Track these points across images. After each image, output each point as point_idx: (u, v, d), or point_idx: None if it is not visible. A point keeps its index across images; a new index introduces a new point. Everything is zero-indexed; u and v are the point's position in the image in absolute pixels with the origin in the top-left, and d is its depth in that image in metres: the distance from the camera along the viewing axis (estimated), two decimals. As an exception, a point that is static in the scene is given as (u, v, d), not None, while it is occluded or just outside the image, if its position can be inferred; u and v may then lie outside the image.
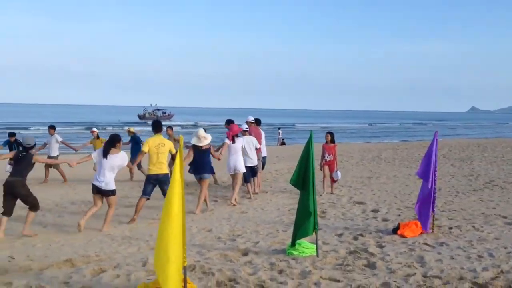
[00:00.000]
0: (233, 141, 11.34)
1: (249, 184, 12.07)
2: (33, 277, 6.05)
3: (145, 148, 9.69)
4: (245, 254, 6.82)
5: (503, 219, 9.17)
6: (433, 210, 7.89)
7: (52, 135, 15.82)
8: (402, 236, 7.60)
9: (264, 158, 13.34)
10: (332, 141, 12.40)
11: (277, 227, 8.58)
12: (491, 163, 19.59)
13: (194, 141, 10.33)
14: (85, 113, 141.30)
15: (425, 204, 7.80)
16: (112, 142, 9.03)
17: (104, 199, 9.15)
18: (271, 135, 43.65)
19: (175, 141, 15.27)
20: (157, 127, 9.93)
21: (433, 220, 8.00)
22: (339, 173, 12.40)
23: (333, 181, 12.41)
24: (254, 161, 12.04)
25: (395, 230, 7.83)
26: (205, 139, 10.28)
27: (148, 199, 9.84)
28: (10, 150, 15.33)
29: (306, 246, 6.64)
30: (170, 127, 15.78)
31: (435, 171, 7.81)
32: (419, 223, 7.85)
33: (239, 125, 12.24)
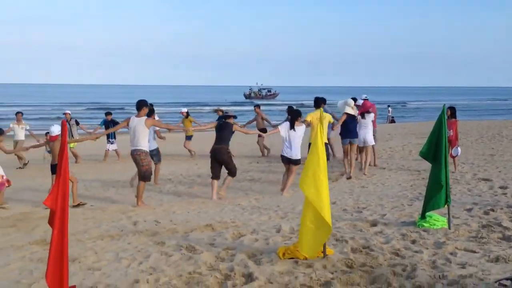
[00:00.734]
0: (363, 117, 12.07)
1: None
2: (181, 238, 6.72)
3: (307, 117, 10.80)
4: (374, 225, 7.02)
5: None
6: None
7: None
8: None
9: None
10: (453, 116, 12.08)
11: (402, 201, 8.66)
12: None
13: (348, 110, 11.58)
14: (194, 93, 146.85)
15: None
16: (297, 115, 10.19)
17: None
18: (380, 113, 42.76)
19: (263, 119, 16.02)
20: (317, 103, 11.26)
21: None
22: (459, 149, 12.08)
23: (452, 157, 12.10)
24: None
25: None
26: (354, 109, 11.77)
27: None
28: (106, 129, 15.82)
29: (437, 219, 6.69)
30: (257, 105, 16.90)
31: None
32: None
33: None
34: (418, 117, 53.56)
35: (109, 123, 16.21)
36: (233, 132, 10.12)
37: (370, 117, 12.25)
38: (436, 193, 6.57)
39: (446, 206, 6.62)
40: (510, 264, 5.09)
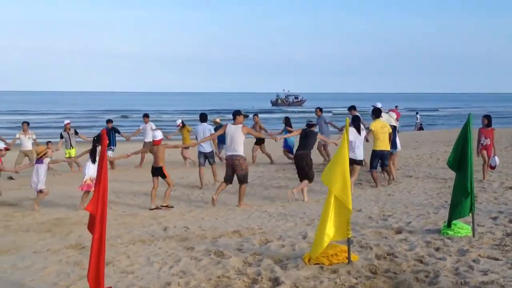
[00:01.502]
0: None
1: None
2: (210, 244, 6.95)
3: (371, 127, 11.59)
4: (398, 232, 7.12)
5: None
6: None
7: (146, 123, 17.05)
8: None
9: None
10: (489, 124, 12.02)
11: (427, 209, 8.72)
12: None
13: (392, 122, 12.40)
14: (222, 100, 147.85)
15: None
16: (358, 121, 11.27)
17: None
18: (408, 120, 42.49)
19: (260, 128, 16.26)
20: (377, 113, 11.85)
21: None
22: (496, 158, 11.97)
23: (491, 167, 12.00)
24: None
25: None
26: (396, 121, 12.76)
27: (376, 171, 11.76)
28: (108, 136, 16.23)
29: (462, 226, 6.76)
30: (256, 114, 17.19)
31: None
32: None
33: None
34: (448, 124, 52.98)
35: (110, 131, 16.30)
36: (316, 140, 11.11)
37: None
38: (461, 202, 6.65)
39: (470, 214, 6.69)
40: (533, 272, 5.15)
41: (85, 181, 10.21)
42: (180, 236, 7.61)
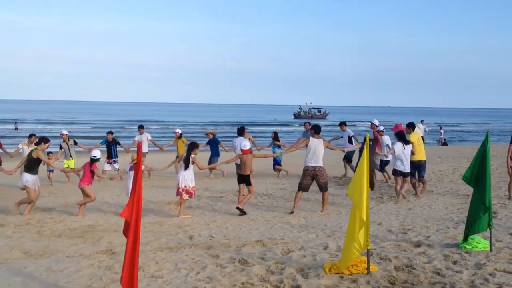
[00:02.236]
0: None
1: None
2: (234, 252, 7.23)
3: (411, 139, 12.21)
4: (417, 245, 7.30)
5: None
6: None
7: (142, 134, 17.17)
8: None
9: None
10: None
11: (447, 224, 8.87)
12: None
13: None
14: (245, 112, 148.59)
15: None
16: (404, 136, 11.96)
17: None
18: (431, 135, 42.26)
19: (250, 140, 16.62)
20: (413, 127, 12.80)
21: None
22: None
23: None
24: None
25: None
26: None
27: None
28: (108, 148, 16.16)
29: (480, 241, 6.92)
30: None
31: None
32: None
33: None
34: (472, 140, 52.48)
35: (110, 143, 16.29)
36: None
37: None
38: (479, 217, 6.80)
39: (488, 229, 6.85)
40: (548, 286, 5.30)
41: (181, 188, 10.69)
42: (205, 244, 7.92)
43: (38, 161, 10.90)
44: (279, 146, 16.41)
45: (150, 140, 17.49)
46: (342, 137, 16.60)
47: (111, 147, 16.23)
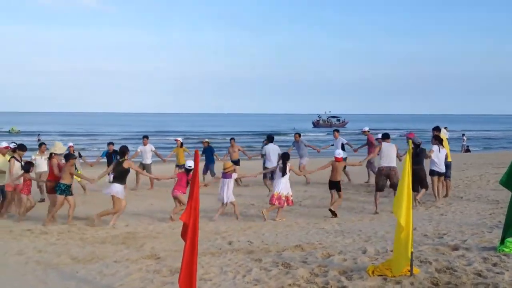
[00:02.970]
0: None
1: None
2: (275, 256, 7.47)
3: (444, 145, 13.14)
4: (455, 249, 7.45)
5: None
6: None
7: (145, 145, 16.90)
8: None
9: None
10: None
11: (482, 228, 8.99)
12: None
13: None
14: (265, 121, 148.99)
15: None
16: (441, 141, 12.94)
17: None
18: (454, 143, 42.06)
19: (239, 150, 17.52)
20: (438, 130, 13.40)
21: None
22: None
23: None
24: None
25: None
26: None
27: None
28: (108, 160, 16.06)
29: (518, 244, 7.05)
30: (232, 138, 17.93)
31: None
32: None
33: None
34: (494, 147, 52.05)
35: (111, 154, 16.12)
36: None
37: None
38: (515, 220, 6.95)
39: (526, 232, 6.97)
40: None
41: (276, 195, 11.28)
42: (245, 249, 8.16)
43: (127, 171, 11.30)
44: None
45: (153, 151, 17.23)
46: (333, 145, 17.22)
47: (112, 158, 15.78)
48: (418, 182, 11.97)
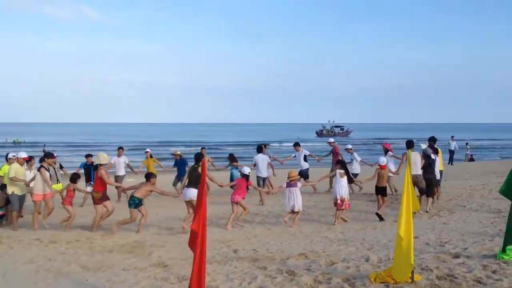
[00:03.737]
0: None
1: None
2: (280, 264, 7.65)
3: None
4: (456, 257, 7.62)
5: None
6: None
7: (120, 156, 16.98)
8: None
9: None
10: None
11: (483, 237, 9.14)
12: None
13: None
14: (268, 131, 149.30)
15: None
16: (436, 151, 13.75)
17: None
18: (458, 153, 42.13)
19: (208, 161, 17.34)
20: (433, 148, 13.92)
21: None
22: None
23: None
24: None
25: None
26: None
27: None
28: (86, 172, 15.91)
29: (517, 252, 7.21)
30: (203, 147, 18.26)
31: None
32: None
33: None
34: (500, 155, 52.05)
35: (90, 166, 15.90)
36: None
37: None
38: (515, 228, 7.11)
39: (525, 240, 7.13)
40: None
41: (338, 200, 11.81)
42: (250, 257, 8.35)
43: (200, 176, 11.58)
44: (236, 167, 16.85)
45: (126, 163, 17.23)
46: (295, 156, 17.71)
47: (90, 170, 15.67)
48: (431, 188, 13.00)
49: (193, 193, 11.37)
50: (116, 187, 14.30)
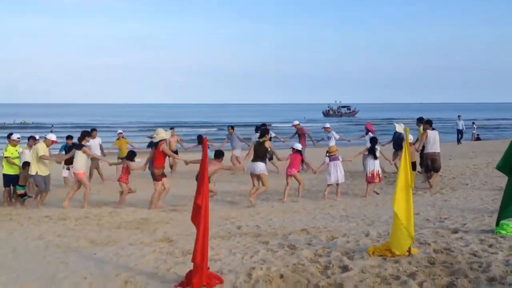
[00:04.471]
0: None
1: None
2: (282, 239, 7.85)
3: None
4: (455, 232, 7.78)
5: None
6: None
7: (94, 138, 16.14)
8: None
9: None
10: None
11: (482, 213, 9.29)
12: None
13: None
14: (275, 112, 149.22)
15: None
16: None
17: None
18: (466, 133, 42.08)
19: (177, 141, 17.98)
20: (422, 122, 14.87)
21: None
22: None
23: None
24: None
25: None
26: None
27: None
28: (67, 154, 14.44)
29: (514, 227, 7.36)
30: (172, 127, 18.21)
31: None
32: None
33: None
34: (505, 135, 51.91)
35: (70, 148, 14.64)
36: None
37: None
38: (510, 203, 7.26)
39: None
40: None
41: (371, 173, 12.62)
42: (253, 233, 8.55)
43: (267, 150, 12.55)
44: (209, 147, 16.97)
45: (100, 144, 17.00)
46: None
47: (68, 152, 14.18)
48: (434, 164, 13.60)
49: (261, 166, 11.99)
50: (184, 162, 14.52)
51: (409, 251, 6.46)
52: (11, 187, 12.81)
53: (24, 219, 10.65)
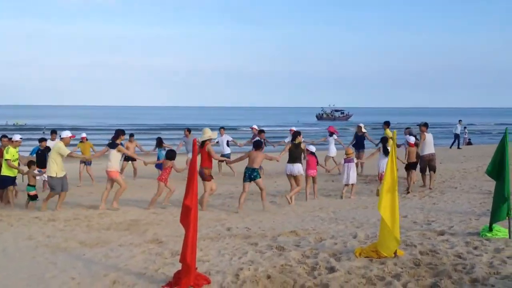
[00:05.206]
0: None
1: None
2: (271, 241, 7.92)
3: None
4: (441, 234, 7.88)
5: None
6: None
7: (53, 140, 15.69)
8: None
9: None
10: None
11: (470, 216, 9.41)
12: None
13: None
14: (269, 115, 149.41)
15: None
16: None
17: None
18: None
19: (137, 146, 17.48)
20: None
21: None
22: None
23: None
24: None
25: None
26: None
27: None
28: (39, 158, 14.50)
29: (499, 230, 7.47)
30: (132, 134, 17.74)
31: None
32: None
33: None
34: (495, 139, 52.22)
35: (44, 151, 14.48)
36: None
37: None
38: (499, 207, 7.38)
39: (507, 218, 7.39)
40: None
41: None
42: (243, 234, 8.61)
43: (302, 152, 12.69)
44: (164, 148, 16.90)
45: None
46: (218, 141, 18.03)
47: (44, 156, 14.16)
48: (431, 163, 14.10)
49: (299, 168, 12.23)
50: (226, 162, 14.90)
51: (395, 253, 6.54)
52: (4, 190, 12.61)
53: (14, 220, 10.63)
